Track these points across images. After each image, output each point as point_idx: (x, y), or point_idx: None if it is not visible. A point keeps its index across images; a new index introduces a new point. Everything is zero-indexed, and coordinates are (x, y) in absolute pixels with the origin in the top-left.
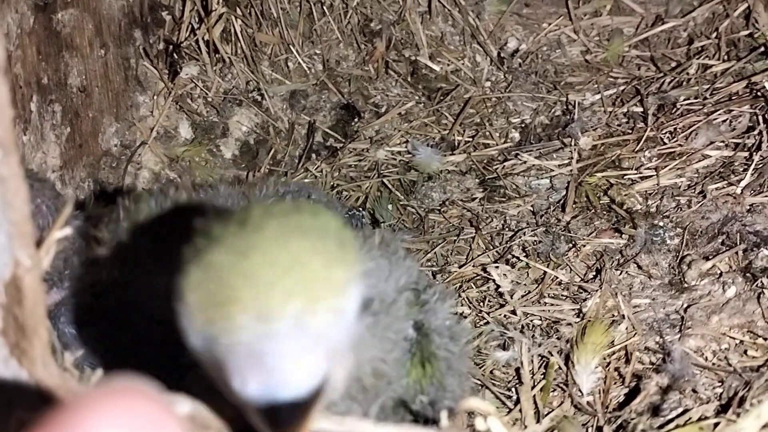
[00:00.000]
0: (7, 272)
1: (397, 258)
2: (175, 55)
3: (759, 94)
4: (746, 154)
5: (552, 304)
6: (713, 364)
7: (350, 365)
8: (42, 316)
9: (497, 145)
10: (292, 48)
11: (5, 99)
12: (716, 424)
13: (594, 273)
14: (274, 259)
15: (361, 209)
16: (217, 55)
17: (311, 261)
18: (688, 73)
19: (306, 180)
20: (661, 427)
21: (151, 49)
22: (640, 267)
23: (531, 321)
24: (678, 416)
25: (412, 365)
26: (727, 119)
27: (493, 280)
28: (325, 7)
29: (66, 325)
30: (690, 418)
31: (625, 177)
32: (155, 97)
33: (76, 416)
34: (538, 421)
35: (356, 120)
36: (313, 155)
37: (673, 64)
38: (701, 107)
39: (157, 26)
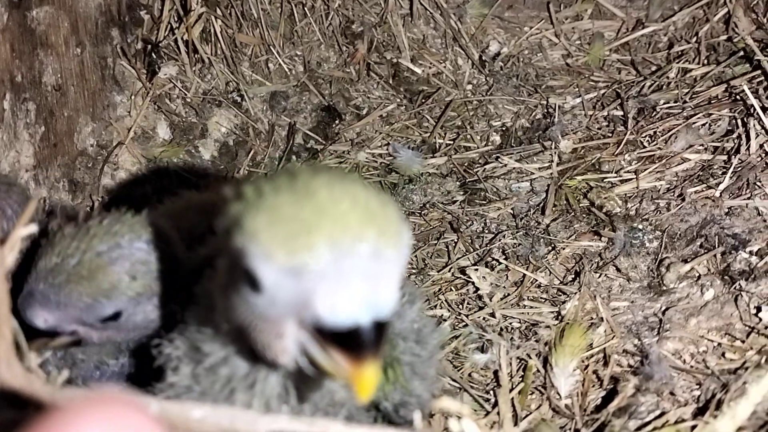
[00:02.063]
0: None
1: None
2: (153, 54)
3: (738, 97)
4: (725, 157)
5: (531, 307)
6: (691, 366)
7: None
8: (6, 316)
9: (478, 148)
10: (272, 49)
11: None
12: (693, 427)
13: (573, 276)
14: (339, 197)
15: None
16: (196, 56)
17: (369, 200)
18: (668, 77)
19: None
20: (638, 429)
21: (129, 48)
22: (619, 270)
23: (510, 324)
24: (655, 419)
25: None
26: (706, 123)
27: (473, 283)
28: (306, 9)
29: None
30: (667, 421)
31: (604, 180)
32: (133, 97)
33: (62, 423)
34: (516, 424)
35: (337, 122)
36: (294, 157)
37: (654, 68)
38: (681, 111)
39: (135, 25)
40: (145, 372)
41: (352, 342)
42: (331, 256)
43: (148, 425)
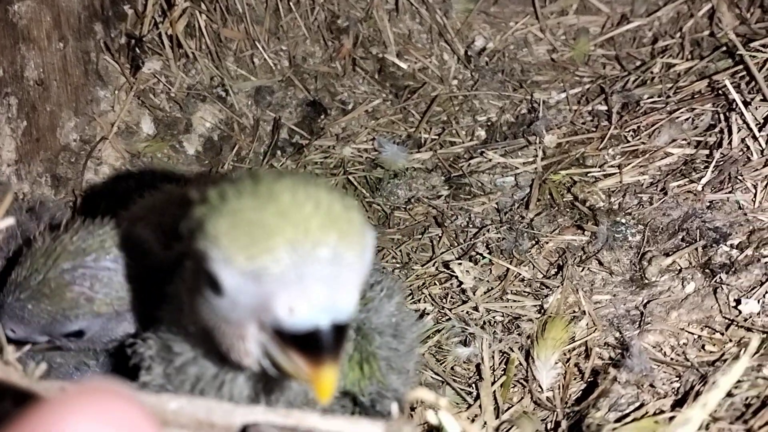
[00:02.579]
0: None
1: None
2: (137, 49)
3: (720, 92)
4: (707, 151)
5: (514, 301)
6: (671, 359)
7: None
8: None
9: (463, 143)
10: (257, 44)
11: None
12: (671, 418)
13: (556, 269)
14: (301, 201)
15: None
16: (180, 50)
17: (332, 204)
18: (652, 72)
19: None
20: (618, 421)
21: (113, 42)
22: (601, 263)
23: (493, 317)
24: (635, 410)
25: (350, 367)
26: (689, 117)
27: (456, 277)
28: (291, 3)
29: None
30: (647, 412)
31: (588, 175)
32: (116, 92)
33: (54, 415)
34: (497, 417)
35: (322, 117)
36: (279, 152)
37: (638, 63)
38: (664, 105)
39: (119, 20)
40: (123, 371)
41: (311, 345)
42: (290, 259)
43: (139, 416)
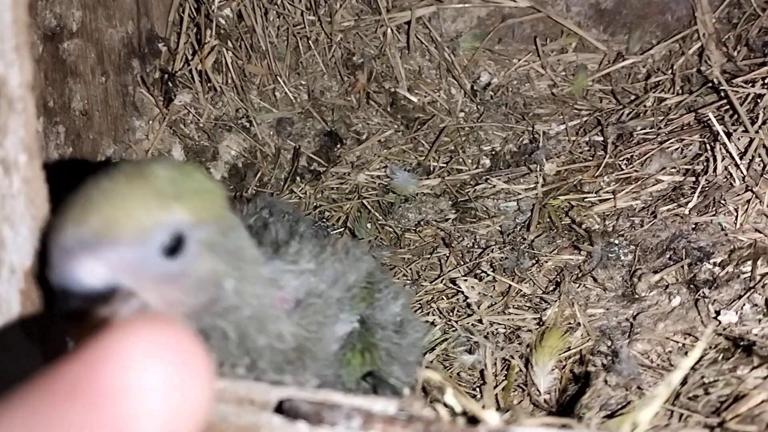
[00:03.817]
0: (27, 262)
1: (351, 261)
2: (170, 83)
3: (706, 124)
4: (694, 178)
5: (515, 314)
6: (657, 365)
7: (184, 305)
8: None
9: (469, 170)
10: (279, 79)
11: (32, 111)
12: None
13: (554, 286)
14: (104, 188)
15: (325, 220)
16: (209, 84)
17: (127, 196)
18: (645, 106)
19: (290, 201)
20: (606, 416)
21: (148, 77)
22: (596, 280)
23: (495, 329)
24: (622, 408)
25: (353, 354)
26: (678, 147)
27: (462, 293)
28: (310, 42)
29: None
30: (632, 409)
31: (585, 200)
32: (150, 122)
33: (114, 342)
34: None
35: (339, 146)
36: (298, 178)
37: (632, 97)
38: (656, 136)
39: (154, 56)
40: None
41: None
42: (62, 231)
43: (192, 346)
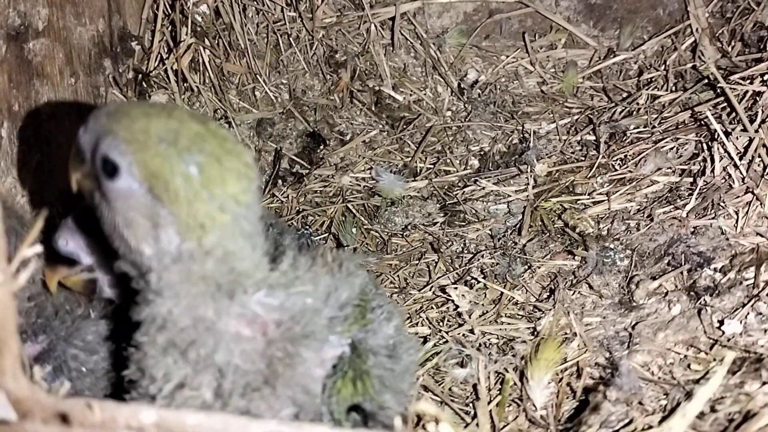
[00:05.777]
0: None
1: (344, 276)
2: (144, 83)
3: (703, 123)
4: (691, 179)
5: (508, 323)
6: (659, 378)
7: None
8: (13, 330)
9: (457, 171)
10: (259, 78)
11: None
12: None
13: (548, 293)
14: None
15: (308, 228)
16: (185, 84)
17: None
18: (638, 103)
19: (272, 205)
20: None
21: (121, 77)
22: (591, 287)
23: (488, 339)
24: (624, 426)
25: (343, 383)
26: (674, 147)
27: (452, 301)
28: (291, 39)
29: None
30: (635, 429)
31: (578, 202)
32: None
33: None
34: None
35: (322, 147)
36: (280, 181)
37: (624, 95)
38: (650, 135)
39: (127, 56)
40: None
41: None
42: None
43: None
